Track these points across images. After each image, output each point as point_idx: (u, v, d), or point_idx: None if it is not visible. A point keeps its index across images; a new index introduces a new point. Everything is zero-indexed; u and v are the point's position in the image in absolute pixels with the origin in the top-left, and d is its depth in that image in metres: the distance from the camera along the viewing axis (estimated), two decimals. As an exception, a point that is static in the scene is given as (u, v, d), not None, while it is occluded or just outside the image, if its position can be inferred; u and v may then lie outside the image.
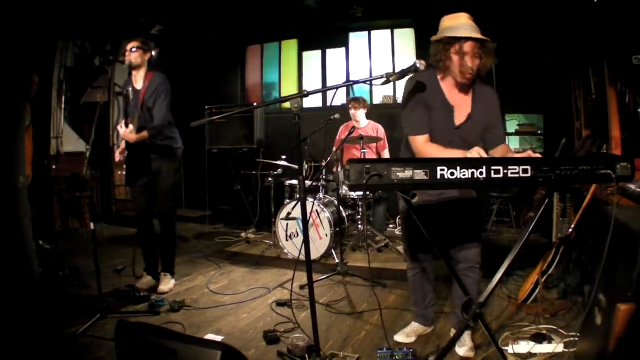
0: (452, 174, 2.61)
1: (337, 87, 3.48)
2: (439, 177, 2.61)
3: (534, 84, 8.63)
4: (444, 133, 3.82)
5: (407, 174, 2.57)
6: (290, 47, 11.93)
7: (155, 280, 5.94)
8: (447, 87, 3.85)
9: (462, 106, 3.84)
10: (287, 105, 11.66)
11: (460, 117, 3.83)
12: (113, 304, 5.26)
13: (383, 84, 3.21)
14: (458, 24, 3.59)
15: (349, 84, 3.37)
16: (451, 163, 2.63)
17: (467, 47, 3.56)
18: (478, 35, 3.53)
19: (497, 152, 3.82)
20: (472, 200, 4.00)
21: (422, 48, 9.99)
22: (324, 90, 3.79)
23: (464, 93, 3.86)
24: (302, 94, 3.17)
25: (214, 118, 3.69)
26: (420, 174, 2.58)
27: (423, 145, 3.78)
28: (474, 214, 4.07)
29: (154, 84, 5.64)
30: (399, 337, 4.45)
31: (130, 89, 5.67)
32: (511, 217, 9.23)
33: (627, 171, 2.76)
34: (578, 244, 5.04)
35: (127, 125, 5.43)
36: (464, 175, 2.63)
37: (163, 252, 5.97)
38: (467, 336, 4.05)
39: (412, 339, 4.44)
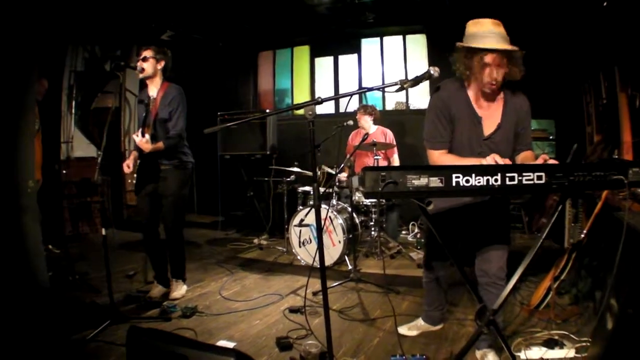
0: (467, 181, 2.60)
1: (350, 94, 3.46)
2: (454, 184, 2.60)
3: (545, 89, 8.57)
4: (473, 144, 3.74)
5: (423, 181, 2.57)
6: (302, 53, 11.96)
7: (166, 287, 5.93)
8: (474, 96, 3.76)
9: (490, 116, 3.74)
10: (299, 111, 11.76)
11: (488, 128, 3.73)
12: (124, 310, 5.27)
13: (397, 91, 3.20)
14: (482, 32, 3.47)
15: (363, 91, 3.36)
16: (466, 170, 2.62)
17: (490, 58, 3.46)
18: (502, 46, 3.42)
19: (519, 158, 3.78)
20: (497, 205, 3.88)
21: (434, 53, 10.09)
22: (338, 97, 3.76)
23: (493, 102, 3.76)
24: (316, 100, 3.16)
25: (227, 125, 3.70)
26: (435, 181, 2.58)
27: (438, 158, 3.74)
28: (500, 220, 3.93)
29: (168, 95, 5.61)
30: (402, 329, 4.66)
31: (148, 97, 5.67)
32: (523, 223, 9.18)
33: (638, 176, 2.75)
34: (590, 250, 5.02)
35: (143, 134, 5.37)
36: (479, 182, 2.62)
37: (172, 259, 5.93)
38: (491, 356, 4.00)
39: (414, 333, 4.63)
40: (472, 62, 3.53)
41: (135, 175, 5.71)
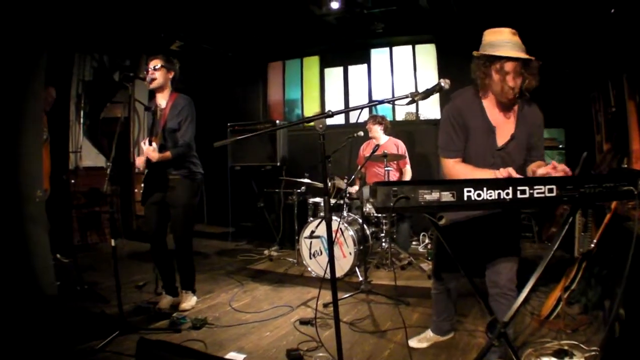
0: (479, 195, 2.61)
1: (361, 107, 3.47)
2: (465, 198, 2.60)
3: (555, 98, 8.50)
4: (486, 155, 3.75)
5: (434, 195, 2.58)
6: (311, 63, 11.99)
7: (175, 297, 5.92)
8: (489, 106, 3.77)
9: (504, 126, 3.75)
10: (310, 122, 11.80)
11: (502, 138, 3.73)
12: (133, 320, 5.27)
13: (408, 104, 3.21)
14: (500, 40, 3.49)
15: (373, 104, 3.34)
16: (478, 184, 2.63)
17: (508, 66, 3.47)
18: (520, 55, 3.44)
19: (530, 167, 3.73)
20: (507, 215, 3.87)
21: (444, 63, 10.06)
22: (348, 110, 3.76)
23: (507, 112, 3.76)
24: (327, 114, 3.16)
25: (237, 138, 3.71)
26: (447, 196, 2.58)
27: (453, 167, 3.75)
28: (510, 231, 3.92)
29: (178, 105, 5.59)
30: (412, 342, 4.63)
31: (156, 106, 5.67)
32: (533, 232, 9.15)
33: (648, 186, 2.75)
34: (599, 259, 5.01)
35: (150, 143, 5.37)
36: (490, 196, 2.62)
37: (181, 270, 5.91)
38: None
39: (424, 345, 4.61)
40: (490, 71, 3.55)
41: (142, 184, 5.68)
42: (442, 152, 3.85)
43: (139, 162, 5.58)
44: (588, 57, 7.95)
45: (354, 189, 8.14)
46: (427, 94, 3.19)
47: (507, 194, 2.65)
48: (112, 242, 4.93)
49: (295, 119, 12.09)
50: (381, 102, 3.38)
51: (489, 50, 3.52)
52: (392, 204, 2.54)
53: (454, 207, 2.62)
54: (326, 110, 11.40)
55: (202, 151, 5.86)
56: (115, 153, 4.97)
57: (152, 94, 5.96)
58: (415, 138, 9.94)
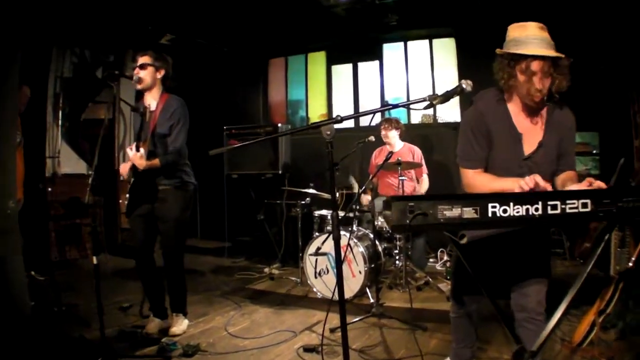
0: (505, 211, 2.60)
1: (373, 112, 3.45)
2: (490, 214, 2.59)
3: (588, 99, 8.38)
4: (511, 164, 3.70)
5: (455, 212, 2.57)
6: (317, 60, 12.01)
7: (164, 319, 5.89)
8: (514, 110, 3.72)
9: (532, 133, 3.69)
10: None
11: (529, 146, 3.68)
12: (117, 346, 5.27)
13: (425, 108, 3.19)
14: (526, 37, 3.44)
15: (387, 108, 3.35)
16: (503, 199, 2.62)
17: (535, 65, 3.39)
18: (548, 52, 3.38)
19: (559, 180, 3.70)
20: (536, 231, 3.81)
21: (465, 60, 9.98)
22: (359, 115, 3.75)
23: (535, 117, 3.71)
24: (336, 119, 3.15)
25: (235, 146, 3.70)
26: (469, 212, 2.57)
27: (472, 178, 3.73)
28: (539, 248, 3.86)
29: (169, 108, 5.58)
30: None
31: (145, 107, 5.62)
32: (564, 248, 9.11)
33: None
34: (638, 278, 4.99)
35: (138, 149, 5.31)
36: (518, 212, 2.61)
37: (171, 291, 5.88)
38: None
39: None
40: (514, 71, 3.50)
41: (127, 195, 5.65)
42: (461, 162, 3.83)
43: (124, 169, 5.56)
44: (626, 52, 7.93)
45: (366, 199, 8.14)
46: (446, 97, 3.17)
47: (536, 209, 2.63)
48: (94, 260, 4.92)
49: (298, 121, 12.10)
50: (395, 106, 3.39)
51: (513, 47, 3.48)
52: (408, 222, 2.54)
53: (478, 224, 2.61)
54: (333, 112, 11.55)
55: (195, 158, 5.88)
56: (98, 159, 4.95)
57: (139, 93, 5.94)
58: (433, 143, 9.93)
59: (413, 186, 8.36)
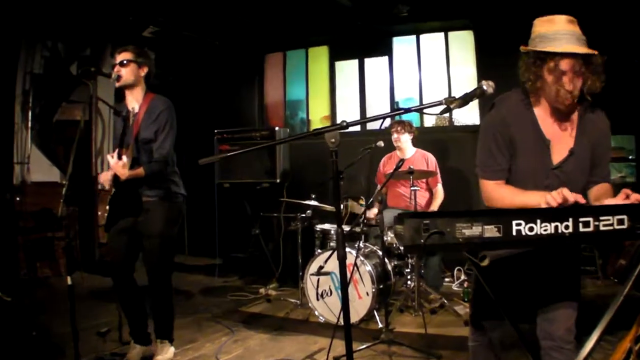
0: (531, 229, 2.58)
1: (382, 117, 3.44)
2: (514, 233, 2.58)
3: (622, 97, 8.22)
4: (538, 175, 3.66)
5: (475, 230, 2.56)
6: (319, 55, 12.02)
7: (147, 346, 5.84)
8: (542, 114, 3.67)
9: (561, 139, 3.64)
10: (317, 126, 11.67)
11: (559, 154, 3.63)
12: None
13: (442, 112, 3.18)
14: (554, 32, 3.39)
15: (398, 113, 3.33)
16: (530, 215, 2.60)
17: (564, 64, 3.33)
18: (580, 49, 3.32)
19: (592, 193, 3.67)
20: (565, 249, 3.75)
21: (484, 55, 9.96)
22: (366, 120, 3.72)
23: (564, 121, 3.65)
24: (341, 125, 3.13)
25: (227, 155, 3.70)
26: (491, 230, 2.56)
27: (493, 190, 3.69)
28: (568, 268, 3.80)
29: (154, 110, 5.54)
30: None
31: (127, 110, 5.56)
32: (596, 265, 9.04)
33: None
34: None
35: (120, 157, 5.18)
36: (546, 230, 2.60)
37: (155, 314, 5.81)
38: None
39: None
40: (541, 71, 3.45)
41: (107, 207, 5.58)
42: (481, 173, 3.79)
43: (104, 178, 5.47)
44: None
45: (373, 212, 8.14)
46: (465, 100, 3.14)
47: (567, 227, 2.62)
48: (69, 279, 4.90)
49: (298, 124, 12.11)
50: (408, 110, 3.37)
51: (539, 44, 3.44)
52: (423, 241, 2.54)
53: (500, 244, 2.60)
54: (337, 113, 11.54)
55: (182, 165, 5.85)
56: (73, 166, 4.93)
57: (120, 92, 5.85)
58: (449, 149, 9.93)
59: (427, 198, 8.37)
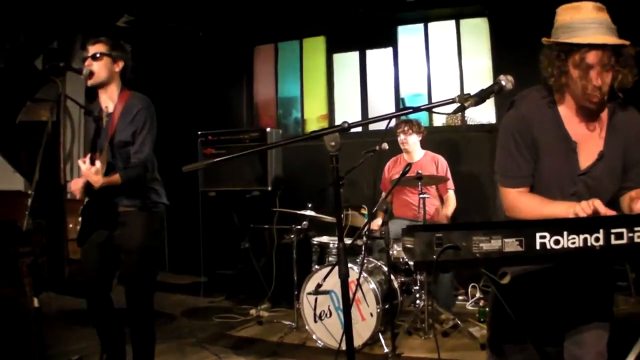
0: (557, 242, 2.58)
1: (388, 117, 3.40)
2: (538, 247, 2.57)
3: None
4: (563, 182, 3.64)
5: (494, 244, 2.55)
6: (315, 46, 12.02)
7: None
8: (567, 113, 3.64)
9: (589, 141, 3.61)
10: (312, 128, 11.68)
11: (587, 158, 3.60)
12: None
13: (455, 112, 3.14)
14: (580, 20, 3.34)
15: (406, 112, 3.31)
16: (555, 226, 2.60)
17: (592, 57, 3.29)
18: (609, 40, 3.27)
19: (626, 200, 3.61)
20: (595, 266, 3.69)
21: (500, 46, 9.92)
22: (370, 121, 3.69)
23: (592, 121, 3.62)
24: (342, 126, 3.11)
25: (213, 161, 3.64)
26: (512, 244, 2.56)
27: (516, 199, 3.66)
28: (599, 285, 3.76)
29: (131, 110, 5.48)
30: None
31: (101, 110, 5.54)
32: (629, 281, 8.97)
33: None
34: None
35: (92, 162, 5.12)
36: (573, 243, 2.59)
37: (135, 339, 5.70)
38: None
39: None
40: (566, 65, 3.41)
41: (80, 218, 5.52)
42: (501, 180, 3.78)
43: (75, 186, 5.39)
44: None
45: (377, 223, 8.12)
46: (481, 97, 3.11)
47: (597, 239, 2.61)
48: (35, 301, 4.87)
49: (292, 125, 12.14)
50: (416, 109, 3.34)
51: (563, 36, 3.40)
52: (435, 257, 2.52)
53: (523, 259, 2.59)
54: (336, 112, 11.57)
55: (162, 170, 5.82)
56: (39, 173, 4.89)
57: (92, 92, 5.84)
58: (462, 151, 9.92)
59: (437, 206, 8.38)
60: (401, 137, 8.32)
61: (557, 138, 3.63)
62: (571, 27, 3.36)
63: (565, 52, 3.38)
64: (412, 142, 8.32)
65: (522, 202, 3.63)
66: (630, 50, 3.32)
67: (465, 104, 3.08)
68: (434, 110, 3.19)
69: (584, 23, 3.32)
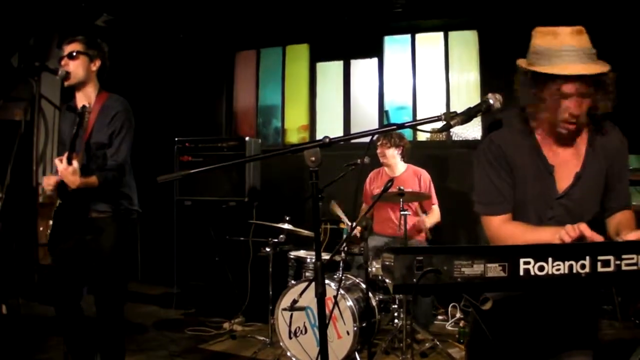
0: (542, 268, 2.57)
1: (371, 133, 3.39)
2: (522, 272, 2.56)
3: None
4: (540, 206, 3.62)
5: (477, 269, 2.55)
6: (298, 54, 12.04)
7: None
8: (544, 138, 3.62)
9: (566, 163, 3.59)
10: (292, 139, 11.71)
11: (564, 180, 3.58)
12: None
13: (440, 130, 3.14)
14: (557, 48, 3.28)
15: (390, 129, 3.30)
16: (540, 253, 2.59)
17: (569, 88, 3.25)
18: (587, 69, 3.22)
19: (612, 224, 3.62)
20: (581, 293, 3.69)
21: (489, 59, 9.97)
22: (351, 137, 3.67)
23: (570, 144, 3.61)
24: (322, 141, 3.11)
25: (189, 172, 3.60)
26: (495, 269, 2.55)
27: (500, 228, 3.63)
28: (582, 309, 3.75)
29: (109, 110, 5.48)
30: None
31: (84, 106, 5.34)
32: (614, 304, 9.01)
33: None
34: None
35: (70, 161, 5.02)
36: (558, 269, 2.58)
37: (104, 350, 5.70)
38: None
39: None
40: (542, 93, 3.38)
41: (51, 222, 5.46)
42: (483, 209, 3.75)
43: (48, 182, 5.32)
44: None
45: (358, 229, 8.09)
46: (468, 115, 3.08)
47: (583, 266, 2.61)
48: (4, 308, 4.85)
49: (272, 134, 12.14)
50: (401, 126, 3.32)
51: (538, 62, 3.36)
52: (415, 281, 2.52)
53: (506, 284, 2.59)
54: (317, 122, 11.56)
55: (136, 178, 5.80)
56: (10, 175, 4.85)
57: (69, 92, 5.81)
58: (447, 167, 9.96)
59: (414, 221, 8.35)
60: (379, 151, 8.36)
61: (533, 162, 3.62)
62: (547, 55, 3.32)
63: (542, 81, 3.34)
64: (390, 156, 8.33)
65: (508, 231, 3.61)
66: (610, 77, 3.30)
67: (452, 122, 3.05)
68: (419, 128, 3.19)
69: (560, 51, 3.28)
